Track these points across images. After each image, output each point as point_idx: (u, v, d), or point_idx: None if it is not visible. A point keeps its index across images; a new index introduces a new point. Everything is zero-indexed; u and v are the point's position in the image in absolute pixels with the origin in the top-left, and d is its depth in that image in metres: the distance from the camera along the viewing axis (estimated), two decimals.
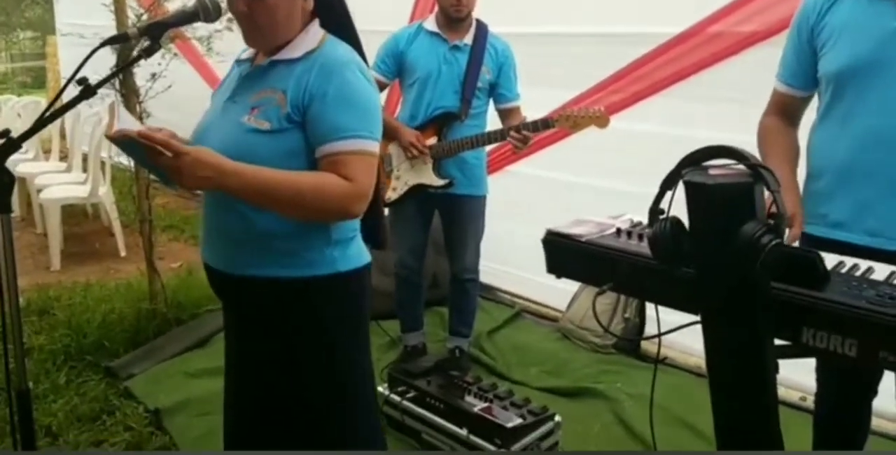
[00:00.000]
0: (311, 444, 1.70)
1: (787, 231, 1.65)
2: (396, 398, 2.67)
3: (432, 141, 3.00)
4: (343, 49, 1.65)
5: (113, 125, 1.42)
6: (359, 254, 1.71)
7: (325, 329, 1.67)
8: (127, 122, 1.45)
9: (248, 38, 1.66)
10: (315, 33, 1.66)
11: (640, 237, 1.60)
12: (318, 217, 1.59)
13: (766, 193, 1.31)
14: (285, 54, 1.63)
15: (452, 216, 3.15)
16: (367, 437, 1.80)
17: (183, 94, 3.78)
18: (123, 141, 1.40)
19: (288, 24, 1.62)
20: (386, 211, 2.97)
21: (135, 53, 1.68)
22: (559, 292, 3.60)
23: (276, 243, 1.60)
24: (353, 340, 1.73)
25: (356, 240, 1.71)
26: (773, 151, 1.90)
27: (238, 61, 1.78)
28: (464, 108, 2.97)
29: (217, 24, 2.03)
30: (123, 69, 2.82)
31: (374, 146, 1.60)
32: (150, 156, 1.41)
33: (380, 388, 2.76)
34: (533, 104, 3.20)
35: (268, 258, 1.61)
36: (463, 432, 2.46)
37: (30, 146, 6.03)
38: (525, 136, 2.84)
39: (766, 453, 1.54)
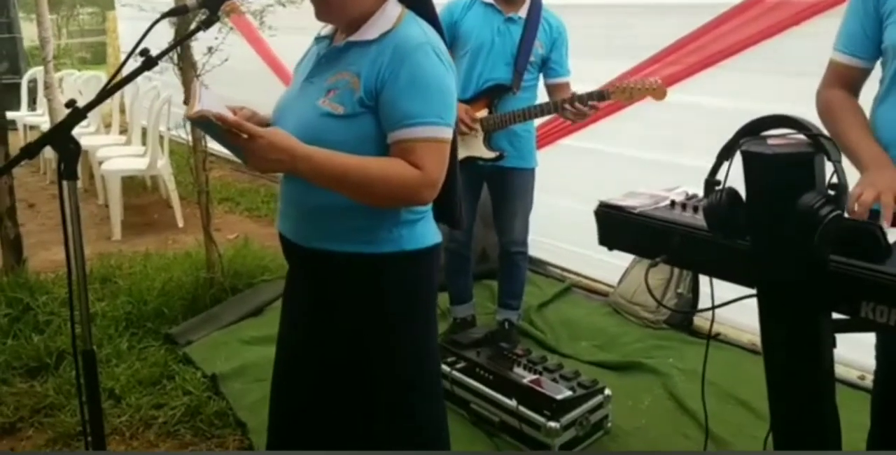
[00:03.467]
0: (366, 420, 1.70)
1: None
2: (446, 368, 2.69)
3: (483, 113, 2.99)
4: (418, 29, 1.59)
5: (194, 105, 1.43)
6: (427, 234, 1.70)
7: (388, 306, 1.67)
8: (207, 102, 1.45)
9: (319, 13, 1.63)
10: (392, 12, 1.61)
11: (696, 209, 1.58)
12: (386, 203, 1.59)
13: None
14: (361, 35, 1.60)
15: (501, 189, 3.14)
16: (428, 417, 1.78)
17: (238, 69, 3.84)
18: (202, 122, 1.42)
19: (360, 1, 1.59)
20: None
21: (193, 26, 1.69)
22: (610, 267, 3.57)
23: (345, 219, 1.61)
24: (417, 318, 1.72)
25: (425, 220, 1.70)
26: (849, 123, 1.79)
27: (317, 38, 1.76)
28: (516, 80, 2.95)
29: None
30: (184, 40, 2.86)
31: (446, 132, 1.57)
32: (227, 137, 1.44)
33: None
34: (588, 76, 3.16)
35: (336, 233, 1.63)
36: (512, 403, 2.48)
37: (91, 120, 6.21)
38: (580, 109, 2.81)
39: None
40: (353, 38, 1.61)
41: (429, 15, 1.66)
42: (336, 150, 1.52)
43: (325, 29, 1.75)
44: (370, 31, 1.59)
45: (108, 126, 6.46)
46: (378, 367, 1.69)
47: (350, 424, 1.71)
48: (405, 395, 1.71)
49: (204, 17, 1.63)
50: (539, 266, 4.00)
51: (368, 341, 1.68)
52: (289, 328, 1.84)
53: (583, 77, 3.09)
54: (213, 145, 2.50)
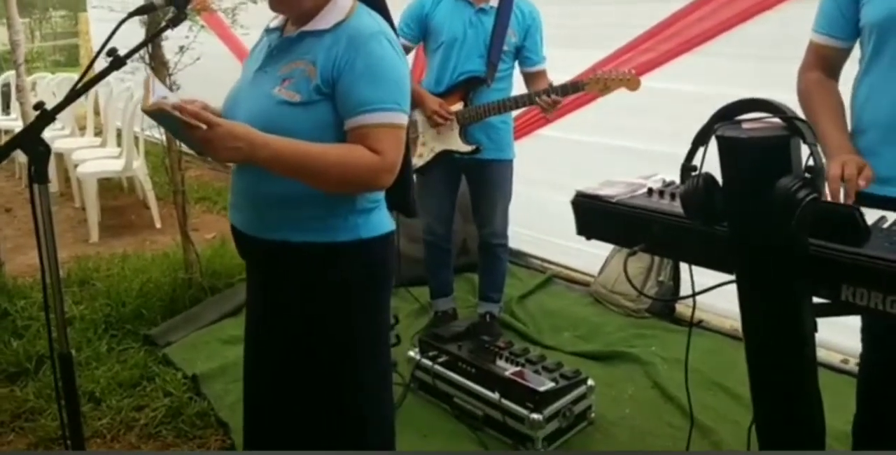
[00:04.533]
0: (322, 405, 1.72)
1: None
2: (428, 363, 2.68)
3: (458, 106, 2.97)
4: (372, 19, 1.63)
5: (148, 98, 1.43)
6: (382, 222, 1.72)
7: (344, 293, 1.68)
8: (161, 95, 1.45)
9: (274, 4, 1.64)
10: (343, 3, 1.64)
11: (673, 196, 1.58)
12: (345, 189, 1.60)
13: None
14: (315, 25, 1.62)
15: (480, 181, 3.13)
16: (380, 401, 1.80)
17: (211, 67, 3.79)
18: (158, 113, 1.41)
19: None
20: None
21: (162, 24, 1.67)
22: (590, 257, 3.58)
23: (301, 209, 1.62)
24: (372, 306, 1.74)
25: (380, 208, 1.72)
26: (821, 111, 1.82)
27: (267, 30, 1.77)
28: (490, 72, 2.93)
29: None
30: (152, 39, 2.83)
31: (403, 118, 1.60)
32: (183, 128, 1.43)
33: (411, 353, 2.78)
34: (562, 65, 3.15)
35: (292, 223, 1.63)
36: (495, 396, 2.47)
37: (66, 122, 6.14)
38: (554, 100, 2.81)
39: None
40: (307, 28, 1.63)
41: (380, 7, 1.69)
42: (293, 138, 1.53)
43: (275, 21, 1.76)
44: (324, 21, 1.62)
45: (82, 128, 6.39)
46: (333, 355, 1.70)
47: (306, 412, 1.73)
48: (358, 380, 1.72)
49: (172, 15, 1.61)
50: (519, 258, 3.99)
51: (324, 330, 1.69)
52: (251, 321, 1.85)
53: (557, 66, 3.08)
54: None
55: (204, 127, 1.41)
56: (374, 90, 1.56)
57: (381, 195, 1.72)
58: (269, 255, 1.69)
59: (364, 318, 1.72)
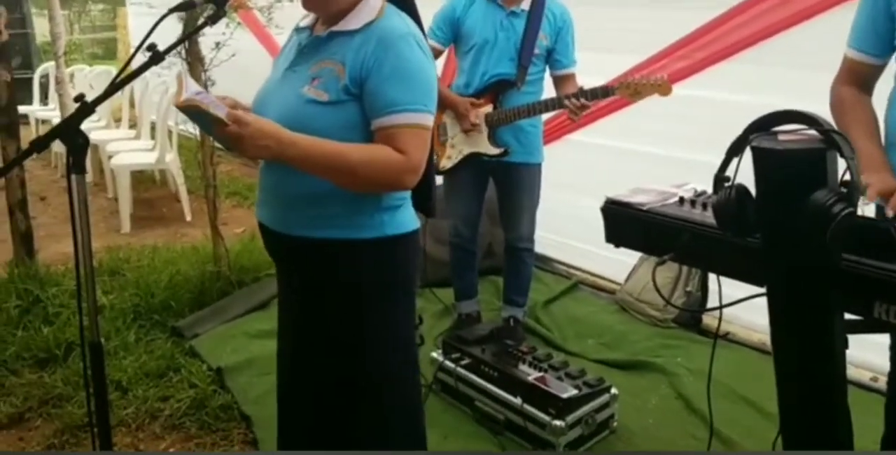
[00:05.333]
0: (348, 400, 1.73)
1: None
2: (451, 365, 2.68)
3: (488, 109, 2.97)
4: (401, 20, 1.64)
5: (181, 94, 1.46)
6: (407, 219, 1.73)
7: (369, 289, 1.70)
8: (194, 91, 1.48)
9: (306, 3, 1.67)
10: (374, 3, 1.65)
11: (704, 206, 1.56)
12: (371, 188, 1.62)
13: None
14: (345, 25, 1.64)
15: (507, 184, 3.12)
16: (407, 392, 1.81)
17: (246, 64, 3.83)
18: (190, 109, 1.44)
19: None
20: (440, 179, 2.97)
21: (200, 21, 1.70)
22: (617, 264, 3.55)
23: (327, 206, 1.63)
24: (397, 303, 1.75)
25: (405, 206, 1.74)
26: (854, 125, 1.79)
27: (297, 29, 1.79)
28: (520, 75, 2.93)
29: None
30: (190, 36, 2.87)
31: (429, 119, 1.61)
32: (213, 124, 1.45)
33: (434, 354, 2.78)
34: (595, 70, 3.13)
35: (318, 220, 1.65)
36: (517, 401, 2.46)
37: (102, 114, 6.24)
38: (583, 104, 2.79)
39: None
40: (337, 28, 1.65)
41: (410, 9, 1.71)
42: (321, 137, 1.55)
43: (305, 20, 1.78)
44: (354, 22, 1.63)
45: (118, 120, 6.49)
46: (361, 349, 1.71)
47: (335, 405, 1.74)
48: (382, 379, 1.74)
49: (211, 12, 1.63)
50: (545, 263, 3.97)
51: (349, 325, 1.70)
52: (281, 316, 1.88)
53: (590, 71, 3.07)
54: None
55: (233, 124, 1.43)
56: (402, 91, 1.57)
57: (408, 193, 1.73)
58: (295, 251, 1.71)
59: (390, 313, 1.73)
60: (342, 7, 1.64)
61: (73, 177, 1.53)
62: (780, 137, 1.30)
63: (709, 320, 3.34)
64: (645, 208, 1.63)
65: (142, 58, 1.55)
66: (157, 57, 1.55)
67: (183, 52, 3.36)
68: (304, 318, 1.76)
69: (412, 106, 1.58)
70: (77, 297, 1.61)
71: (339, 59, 1.61)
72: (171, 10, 1.66)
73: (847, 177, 1.23)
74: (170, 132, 5.18)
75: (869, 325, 1.36)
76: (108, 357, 2.97)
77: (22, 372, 2.96)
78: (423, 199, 1.81)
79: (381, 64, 1.57)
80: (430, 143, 1.64)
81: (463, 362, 2.67)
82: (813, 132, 1.29)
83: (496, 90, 2.96)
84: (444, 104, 2.90)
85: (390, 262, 1.70)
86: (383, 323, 1.73)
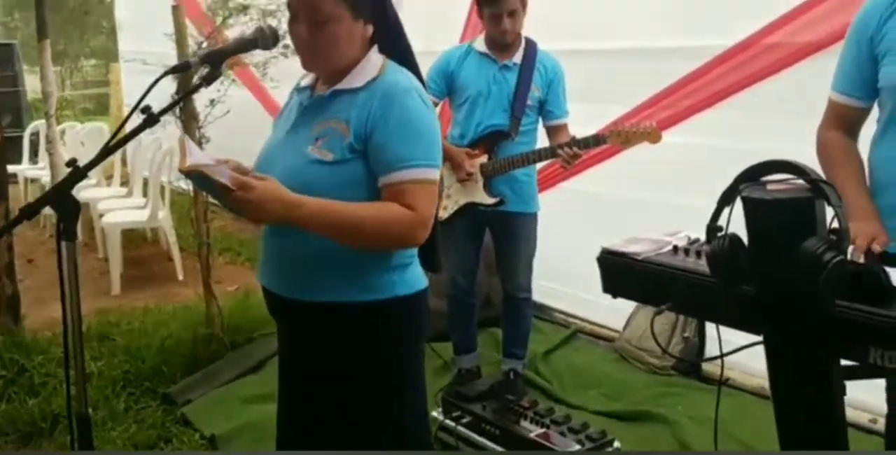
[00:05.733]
0: None
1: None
2: (451, 423, 2.64)
3: (483, 159, 3.00)
4: (403, 76, 1.66)
5: (185, 159, 1.46)
6: (417, 278, 1.71)
7: (381, 353, 1.67)
8: (197, 156, 1.49)
9: (307, 64, 1.68)
10: (375, 61, 1.66)
11: (699, 254, 1.56)
12: (381, 246, 1.61)
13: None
14: (347, 84, 1.64)
15: (504, 234, 3.13)
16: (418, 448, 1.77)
17: (241, 119, 3.87)
18: (194, 175, 1.44)
19: (348, 51, 1.63)
20: None
21: (195, 81, 1.72)
22: (615, 311, 3.53)
23: (335, 268, 1.61)
24: (409, 364, 1.73)
25: (414, 264, 1.72)
26: (841, 171, 1.82)
27: (298, 89, 1.79)
28: (514, 126, 2.97)
29: (273, 51, 2.07)
30: (185, 97, 2.90)
31: (435, 174, 1.61)
32: (218, 190, 1.45)
33: (434, 413, 2.73)
34: (584, 120, 3.18)
35: (326, 283, 1.62)
36: None
37: (93, 172, 6.21)
38: (575, 153, 2.82)
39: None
40: (339, 86, 1.65)
41: (410, 65, 1.71)
42: (327, 196, 1.54)
43: (305, 79, 1.78)
44: (356, 80, 1.64)
45: (109, 177, 6.47)
46: (370, 413, 1.68)
47: None
48: (393, 441, 1.70)
49: (206, 72, 1.65)
50: (543, 311, 3.95)
51: (360, 389, 1.67)
52: (284, 379, 1.83)
53: (579, 121, 3.11)
54: None
55: (237, 190, 1.43)
56: (408, 146, 1.57)
57: (415, 251, 1.71)
58: (301, 316, 1.68)
59: (403, 375, 1.71)
60: (344, 66, 1.65)
61: (64, 244, 1.51)
62: (769, 187, 1.31)
63: (708, 366, 3.31)
64: (640, 258, 1.63)
65: (136, 119, 1.55)
66: (151, 119, 1.56)
67: (177, 109, 3.39)
68: (311, 381, 1.72)
69: (419, 161, 1.58)
70: (65, 366, 1.57)
71: (343, 118, 1.61)
72: (167, 72, 1.67)
73: (836, 224, 1.25)
74: (162, 189, 5.18)
75: (866, 371, 1.35)
76: (96, 428, 2.86)
77: (5, 448, 2.87)
78: (429, 254, 1.79)
79: (387, 119, 1.57)
80: (437, 198, 1.63)
81: (463, 420, 2.62)
82: (800, 181, 1.30)
83: (491, 141, 3.00)
84: None
85: (402, 324, 1.68)
86: (396, 385, 1.70)
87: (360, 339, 1.64)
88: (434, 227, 1.72)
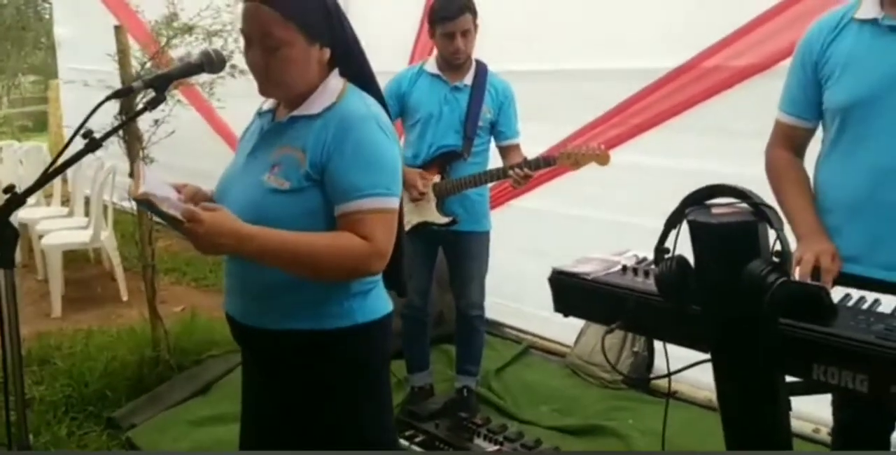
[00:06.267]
0: None
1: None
2: (405, 443, 2.63)
3: (436, 179, 3.02)
4: (362, 102, 1.62)
5: (139, 185, 1.43)
6: (378, 304, 1.69)
7: (343, 379, 1.65)
8: (151, 182, 1.46)
9: (263, 90, 1.65)
10: (334, 86, 1.63)
11: (647, 274, 1.60)
12: (336, 277, 1.58)
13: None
14: (305, 110, 1.61)
15: (457, 253, 3.14)
16: None
17: (186, 138, 3.81)
18: (146, 203, 1.42)
19: (303, 76, 1.60)
20: None
21: (139, 105, 1.69)
22: (566, 327, 3.55)
23: (294, 296, 1.59)
24: (373, 390, 1.71)
25: (376, 290, 1.70)
26: (790, 191, 1.87)
27: (259, 113, 1.77)
28: (466, 146, 2.99)
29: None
30: (129, 122, 2.84)
31: (393, 202, 1.59)
32: (168, 220, 1.43)
33: None
34: (534, 139, 3.23)
35: (284, 311, 1.61)
36: None
37: None
38: (526, 174, 2.86)
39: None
40: (297, 112, 1.62)
41: (371, 87, 1.69)
42: (283, 226, 1.51)
43: (268, 103, 1.76)
44: (314, 106, 1.61)
45: (48, 196, 6.27)
46: (339, 443, 1.65)
47: None
48: None
49: (151, 96, 1.62)
50: (495, 328, 3.97)
51: (323, 415, 1.65)
52: (247, 406, 1.80)
53: (529, 141, 3.15)
54: None
55: (188, 223, 1.40)
56: (364, 175, 1.55)
57: (378, 277, 1.69)
58: (265, 343, 1.66)
59: (365, 401, 1.68)
60: (300, 91, 1.62)
61: (1, 272, 1.47)
62: (714, 211, 1.35)
63: (658, 380, 3.36)
64: (590, 278, 1.66)
65: (77, 142, 1.52)
66: (93, 144, 1.52)
67: (121, 130, 3.32)
68: (274, 407, 1.69)
69: (375, 190, 1.55)
70: (4, 393, 1.52)
71: (300, 145, 1.58)
72: (110, 97, 1.63)
73: (778, 246, 1.29)
74: (105, 208, 5.05)
75: (809, 387, 1.40)
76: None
77: None
78: (395, 278, 1.76)
79: (342, 148, 1.54)
80: (395, 226, 1.61)
81: (417, 439, 2.63)
82: (744, 205, 1.34)
83: (443, 161, 3.01)
84: None
85: (363, 350, 1.66)
86: (359, 410, 1.67)
87: (320, 366, 1.63)
88: (399, 250, 1.69)
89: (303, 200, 1.56)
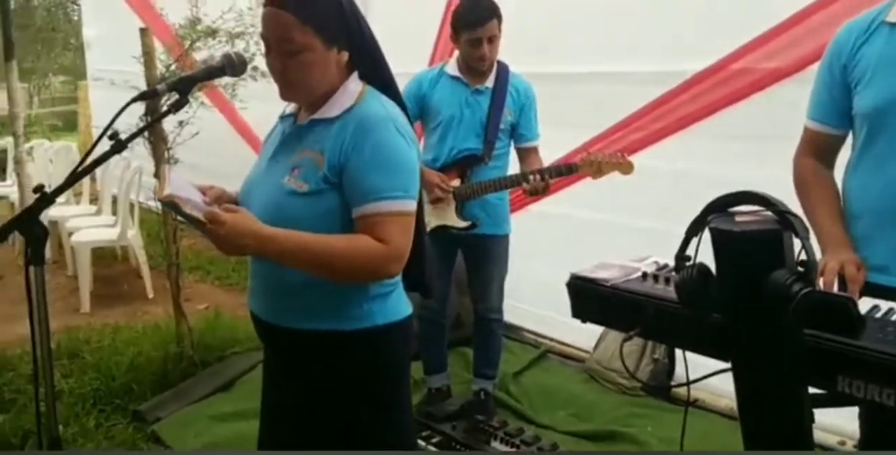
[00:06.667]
0: None
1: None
2: (422, 443, 2.63)
3: (456, 183, 3.01)
4: (380, 105, 1.63)
5: (164, 187, 1.47)
6: (398, 306, 1.70)
7: (362, 381, 1.66)
8: (177, 184, 1.50)
9: (284, 95, 1.66)
10: (353, 89, 1.65)
11: (667, 281, 1.58)
12: (353, 280, 1.60)
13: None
14: (324, 113, 1.63)
15: (476, 256, 3.14)
16: None
17: (210, 139, 3.85)
18: (170, 205, 1.46)
19: (323, 79, 1.62)
20: None
21: (164, 108, 1.71)
22: (585, 332, 3.52)
23: (315, 297, 1.61)
24: (392, 393, 1.72)
25: (396, 293, 1.70)
26: (817, 202, 1.84)
27: (282, 117, 1.79)
28: (486, 150, 2.98)
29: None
30: (153, 123, 2.88)
31: (411, 205, 1.60)
32: (191, 222, 1.46)
33: None
34: (555, 143, 3.21)
35: (308, 311, 1.63)
36: None
37: None
38: (546, 185, 2.84)
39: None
40: (316, 116, 1.64)
41: (390, 90, 1.70)
42: (302, 227, 1.53)
43: (290, 107, 1.78)
44: (332, 109, 1.63)
45: (78, 195, 6.40)
46: (357, 444, 1.66)
47: None
48: None
49: (175, 98, 1.64)
50: (513, 331, 3.96)
51: (342, 417, 1.66)
52: (267, 402, 1.82)
53: (549, 144, 3.14)
54: None
55: (210, 224, 1.43)
56: (382, 178, 1.56)
57: (397, 279, 1.70)
58: (286, 342, 1.68)
59: (384, 402, 1.69)
60: (319, 95, 1.63)
61: (32, 269, 1.50)
62: (737, 218, 1.33)
63: (678, 388, 3.33)
64: (609, 284, 1.64)
65: (104, 142, 1.55)
66: (119, 145, 1.55)
67: (146, 131, 3.36)
68: (293, 406, 1.71)
69: (392, 193, 1.56)
70: (35, 392, 1.55)
71: (319, 148, 1.60)
72: (134, 100, 1.66)
73: (804, 256, 1.27)
74: (132, 207, 5.14)
75: (834, 399, 1.37)
76: (67, 445, 2.84)
77: None
78: (419, 280, 1.77)
79: (360, 151, 1.56)
80: (412, 229, 1.61)
81: (433, 440, 2.63)
82: (768, 212, 1.32)
83: (464, 165, 3.01)
84: None
85: (383, 353, 1.67)
86: (377, 412, 1.68)
87: (340, 366, 1.64)
88: (421, 250, 1.70)
89: (321, 203, 1.58)
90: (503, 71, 3.02)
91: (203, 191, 1.67)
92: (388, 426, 1.71)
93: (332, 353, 1.63)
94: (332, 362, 1.64)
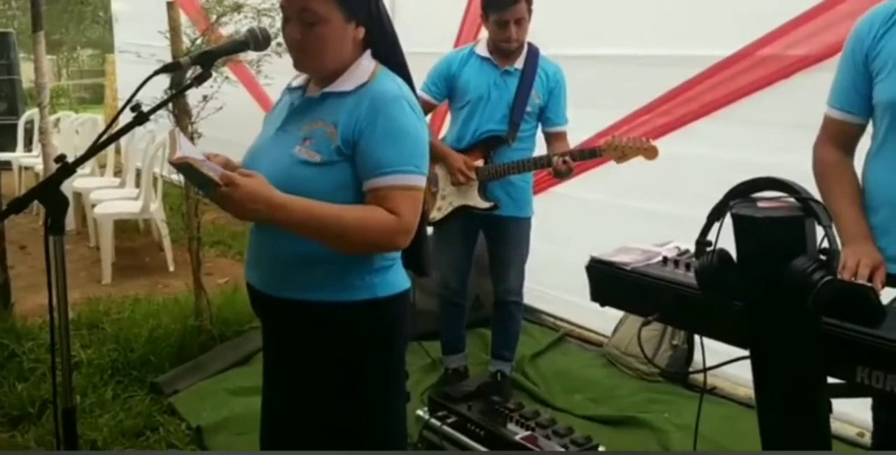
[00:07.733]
0: None
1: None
2: (437, 423, 2.64)
3: (479, 163, 3.00)
4: (393, 83, 1.66)
5: (175, 151, 1.47)
6: (398, 280, 1.72)
7: (359, 351, 1.68)
8: (187, 149, 1.50)
9: (298, 65, 1.68)
10: (367, 65, 1.67)
11: (688, 266, 1.56)
12: (362, 250, 1.62)
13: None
14: (337, 87, 1.65)
15: (497, 237, 3.13)
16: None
17: (234, 114, 3.85)
18: (183, 167, 1.45)
19: (339, 53, 1.64)
20: (430, 230, 2.98)
21: (187, 81, 1.71)
22: (604, 316, 3.51)
23: (317, 268, 1.63)
24: (387, 362, 1.73)
25: (396, 266, 1.73)
26: (837, 191, 1.81)
27: (289, 89, 1.80)
28: (511, 132, 2.96)
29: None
30: (176, 96, 2.89)
31: (420, 180, 1.62)
32: (205, 183, 1.46)
33: (419, 412, 2.74)
34: (580, 126, 3.18)
35: (308, 282, 1.64)
36: None
37: (86, 162, 6.20)
38: (569, 167, 2.82)
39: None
40: (329, 88, 1.66)
41: (401, 70, 1.72)
42: (311, 196, 1.55)
43: (297, 80, 1.79)
44: (347, 83, 1.65)
45: (102, 167, 6.47)
46: (346, 413, 1.69)
47: None
48: (368, 440, 1.71)
49: (198, 72, 1.64)
50: (532, 314, 3.95)
51: (338, 387, 1.68)
52: (268, 376, 1.84)
53: (575, 127, 3.11)
54: None
55: (224, 186, 1.43)
56: (394, 152, 1.58)
57: (397, 254, 1.73)
58: (284, 313, 1.70)
59: (379, 375, 1.71)
60: (335, 68, 1.65)
61: (51, 238, 1.52)
62: (760, 204, 1.31)
63: (696, 374, 3.32)
64: (629, 268, 1.63)
65: (128, 114, 1.55)
66: (141, 117, 1.56)
67: (170, 104, 3.38)
68: (292, 379, 1.73)
69: (404, 167, 1.58)
70: (51, 364, 1.58)
71: (332, 121, 1.62)
72: (158, 72, 1.67)
73: (826, 244, 1.25)
74: (155, 180, 5.18)
75: (852, 389, 1.35)
76: (84, 415, 2.89)
77: None
78: (416, 258, 1.80)
79: (374, 126, 1.58)
80: (421, 204, 1.64)
81: (449, 420, 2.62)
82: (791, 199, 1.30)
83: (488, 146, 2.99)
84: (437, 156, 2.93)
85: (381, 324, 1.69)
86: (372, 384, 1.70)
87: (337, 338, 1.66)
88: (421, 231, 1.73)
89: (332, 174, 1.60)
90: (533, 53, 2.99)
91: (208, 157, 1.67)
92: (390, 392, 1.74)
93: (332, 324, 1.65)
94: (331, 332, 1.66)
